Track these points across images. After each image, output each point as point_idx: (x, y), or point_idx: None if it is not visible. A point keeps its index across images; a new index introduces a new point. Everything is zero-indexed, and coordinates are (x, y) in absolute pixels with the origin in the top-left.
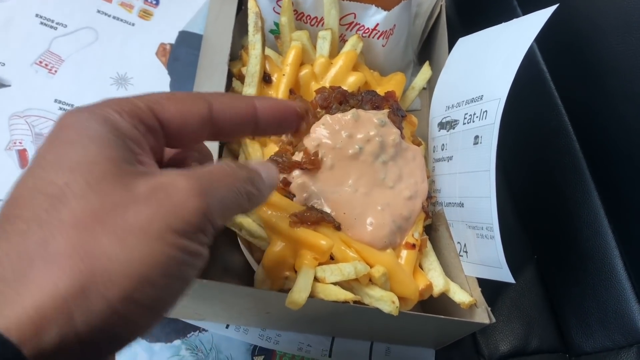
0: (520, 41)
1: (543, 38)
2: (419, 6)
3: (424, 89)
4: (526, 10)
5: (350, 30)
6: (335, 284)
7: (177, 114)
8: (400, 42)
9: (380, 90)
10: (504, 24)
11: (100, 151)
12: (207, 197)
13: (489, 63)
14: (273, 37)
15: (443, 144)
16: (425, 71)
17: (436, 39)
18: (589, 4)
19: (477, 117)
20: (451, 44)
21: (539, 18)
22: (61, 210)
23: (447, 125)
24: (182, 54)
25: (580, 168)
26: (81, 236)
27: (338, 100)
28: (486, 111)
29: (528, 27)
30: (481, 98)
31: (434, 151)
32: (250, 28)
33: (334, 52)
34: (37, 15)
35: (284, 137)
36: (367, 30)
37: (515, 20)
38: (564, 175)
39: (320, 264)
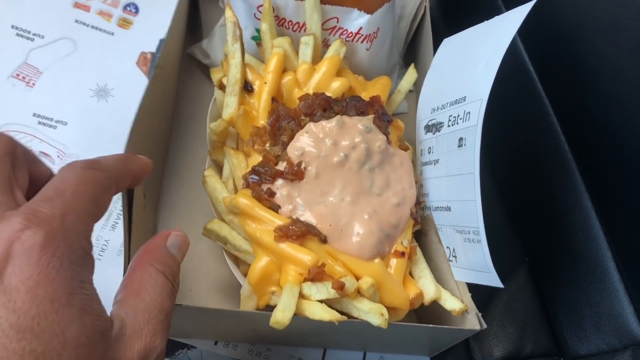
0: (500, 39)
1: (529, 39)
2: (403, 8)
3: (410, 91)
4: (510, 8)
5: (334, 35)
6: (321, 300)
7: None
8: (385, 45)
9: (366, 95)
10: (485, 22)
11: (92, 324)
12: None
13: (471, 63)
14: (255, 44)
15: (429, 147)
16: (411, 73)
17: (421, 40)
18: (573, 4)
19: (460, 118)
20: (436, 45)
21: (518, 15)
22: None
23: (433, 128)
24: None
25: (569, 169)
26: None
27: (322, 107)
28: (469, 112)
29: (508, 24)
30: (464, 99)
31: (421, 154)
32: (229, 37)
33: (317, 58)
34: (13, 27)
35: (267, 147)
36: (350, 35)
37: (495, 17)
38: (553, 176)
39: (306, 279)
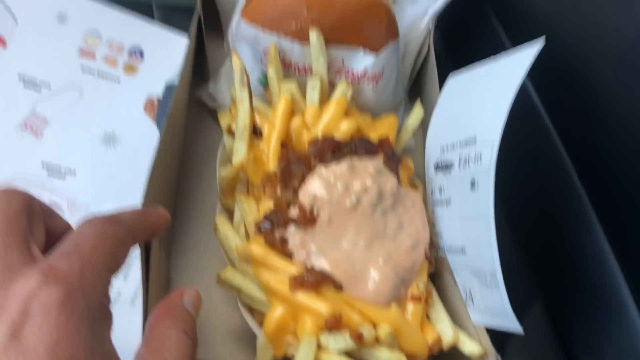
0: (509, 79)
1: (536, 75)
2: (407, 45)
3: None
4: (515, 44)
5: (339, 76)
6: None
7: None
8: (390, 83)
9: (374, 135)
10: (492, 61)
11: None
12: None
13: (479, 103)
14: (262, 88)
15: (440, 187)
16: (418, 111)
17: (426, 75)
18: (580, 41)
19: (472, 160)
20: (441, 79)
21: (527, 54)
22: None
23: (443, 167)
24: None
25: (581, 203)
26: None
27: (331, 150)
28: (480, 154)
29: (516, 64)
30: (474, 140)
31: (432, 193)
32: (237, 84)
33: (324, 99)
34: (19, 76)
35: (278, 192)
36: (356, 76)
37: (503, 56)
38: (565, 210)
39: (323, 329)
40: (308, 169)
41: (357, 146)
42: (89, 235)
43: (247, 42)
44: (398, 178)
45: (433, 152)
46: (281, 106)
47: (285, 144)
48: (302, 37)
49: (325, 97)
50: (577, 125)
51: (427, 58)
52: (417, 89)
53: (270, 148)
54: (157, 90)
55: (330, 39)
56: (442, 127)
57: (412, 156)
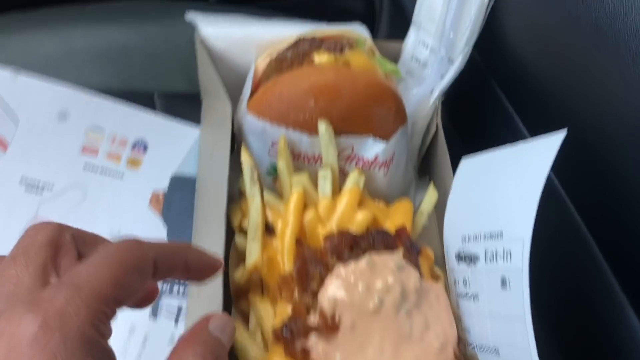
0: (532, 172)
1: (559, 164)
2: (414, 125)
3: None
4: (530, 126)
5: (350, 163)
6: None
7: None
8: (401, 166)
9: (390, 224)
10: (510, 148)
11: None
12: None
13: (502, 193)
14: (270, 179)
15: (465, 279)
16: (432, 193)
17: (436, 152)
18: (601, 125)
19: (500, 256)
20: (452, 157)
21: (549, 147)
22: None
23: (467, 258)
24: (177, 200)
25: (611, 288)
26: None
27: (348, 246)
28: (510, 251)
29: (539, 156)
30: (501, 235)
31: (455, 284)
32: (247, 180)
33: (336, 189)
34: (21, 179)
35: (296, 295)
36: (366, 163)
37: (523, 146)
38: (596, 297)
39: None
40: (326, 268)
41: (374, 239)
42: (91, 262)
43: (254, 134)
44: (419, 270)
45: (453, 240)
46: (293, 201)
47: (300, 241)
48: (310, 128)
49: (336, 185)
50: (605, 214)
51: (436, 134)
52: (426, 165)
53: (284, 246)
54: (163, 184)
55: (339, 128)
56: (461, 214)
57: (427, 234)
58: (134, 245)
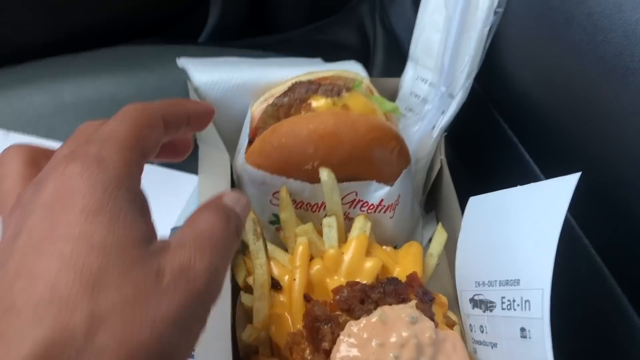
0: (548, 217)
1: (577, 207)
2: (417, 162)
3: None
4: (536, 157)
5: (354, 208)
6: None
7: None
8: (407, 206)
9: (400, 271)
10: (521, 189)
11: (125, 232)
12: (219, 275)
13: (516, 238)
14: (273, 228)
15: (482, 326)
16: (441, 234)
17: (441, 188)
18: (615, 160)
19: (518, 305)
20: (459, 190)
21: (564, 189)
22: (100, 301)
23: (482, 304)
24: None
25: (637, 329)
26: (124, 330)
27: (359, 299)
28: (528, 301)
29: (553, 200)
30: (518, 283)
31: (471, 330)
32: (250, 236)
33: (342, 237)
34: None
35: (307, 355)
36: (371, 207)
37: (535, 187)
38: (622, 340)
39: None
40: (337, 324)
41: (385, 290)
42: (111, 122)
43: (254, 184)
44: (434, 320)
45: (466, 285)
46: (299, 254)
47: (309, 296)
48: (311, 175)
49: (342, 232)
50: (625, 252)
51: (440, 170)
52: (432, 199)
53: (292, 303)
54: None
55: (342, 174)
56: (474, 257)
57: (438, 273)
58: (142, 106)
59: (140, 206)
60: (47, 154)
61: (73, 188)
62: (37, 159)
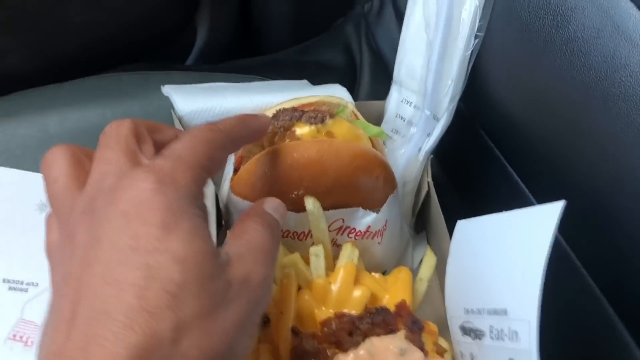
0: (534, 246)
1: (566, 225)
2: (404, 186)
3: None
4: (522, 174)
5: (341, 235)
6: None
7: None
8: (395, 232)
9: (389, 299)
10: (508, 214)
11: (200, 247)
12: (270, 283)
13: (502, 266)
14: None
15: (472, 355)
16: (430, 258)
17: (430, 210)
18: (600, 181)
19: (506, 335)
20: (442, 203)
21: (549, 216)
22: (182, 311)
23: (471, 332)
24: None
25: (628, 349)
26: (202, 339)
27: (347, 331)
28: (516, 332)
29: (538, 228)
30: (505, 313)
31: (461, 357)
32: None
33: (329, 264)
34: (4, 281)
35: None
36: (359, 233)
37: (521, 213)
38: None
39: None
40: (325, 359)
41: (373, 321)
42: (184, 140)
43: (239, 215)
44: (424, 350)
45: (456, 311)
46: (286, 287)
47: (296, 330)
48: (297, 206)
49: (330, 261)
50: (615, 271)
51: (428, 193)
52: (421, 221)
53: (280, 339)
54: None
55: (327, 202)
56: (462, 283)
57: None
58: (215, 127)
59: (206, 220)
60: (87, 153)
61: (150, 202)
62: (80, 159)
